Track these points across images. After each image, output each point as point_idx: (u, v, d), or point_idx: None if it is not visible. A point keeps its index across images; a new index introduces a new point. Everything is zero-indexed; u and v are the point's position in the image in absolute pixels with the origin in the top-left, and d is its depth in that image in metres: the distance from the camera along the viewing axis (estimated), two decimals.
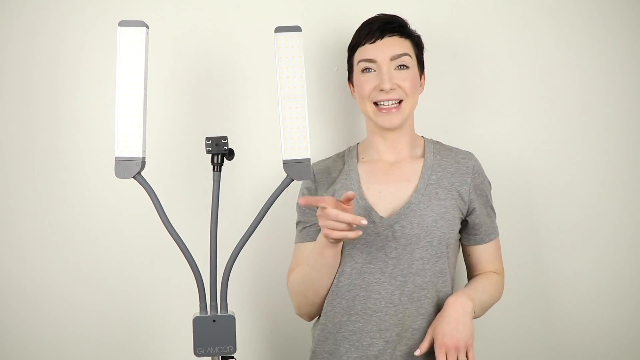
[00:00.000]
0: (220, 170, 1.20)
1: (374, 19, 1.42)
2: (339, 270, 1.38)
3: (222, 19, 1.66)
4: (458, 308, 1.30)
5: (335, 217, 1.18)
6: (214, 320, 1.17)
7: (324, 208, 1.20)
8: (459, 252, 1.48)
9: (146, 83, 1.17)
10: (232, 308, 1.23)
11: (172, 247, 1.24)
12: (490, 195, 1.47)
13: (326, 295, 1.39)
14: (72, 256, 1.65)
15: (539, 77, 1.69)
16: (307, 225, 1.43)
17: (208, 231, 1.19)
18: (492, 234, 1.46)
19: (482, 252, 1.46)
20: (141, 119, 1.16)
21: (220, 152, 1.19)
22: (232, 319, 1.18)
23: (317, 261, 1.33)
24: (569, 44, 1.69)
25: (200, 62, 1.66)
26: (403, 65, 1.39)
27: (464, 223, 1.44)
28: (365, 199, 1.39)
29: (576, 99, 1.69)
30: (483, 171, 1.45)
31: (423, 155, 1.45)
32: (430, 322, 1.35)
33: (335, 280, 1.38)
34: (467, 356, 1.27)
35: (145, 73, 1.17)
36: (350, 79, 1.48)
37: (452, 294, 1.37)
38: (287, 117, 1.18)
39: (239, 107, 1.66)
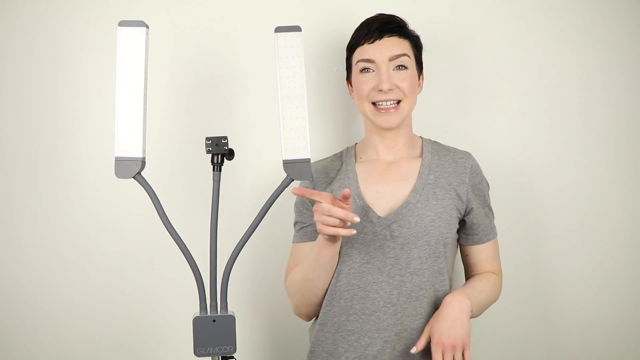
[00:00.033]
0: (220, 170, 1.20)
1: (373, 19, 1.42)
2: (337, 270, 1.38)
3: (222, 19, 1.66)
4: (456, 306, 1.30)
5: (328, 211, 1.18)
6: (214, 320, 1.17)
7: (319, 202, 1.20)
8: (456, 251, 1.48)
9: (146, 83, 1.17)
10: (232, 308, 1.23)
11: (172, 247, 1.24)
12: (488, 195, 1.47)
13: (324, 295, 1.39)
14: (72, 256, 1.65)
15: (539, 77, 1.69)
16: (305, 226, 1.43)
17: (208, 231, 1.18)
18: (490, 234, 1.46)
19: (480, 252, 1.46)
20: (141, 119, 1.16)
21: (220, 152, 1.19)
22: (232, 319, 1.18)
23: (315, 261, 1.33)
24: (569, 44, 1.69)
25: (200, 62, 1.66)
26: (402, 66, 1.39)
27: (462, 223, 1.44)
28: (363, 199, 1.39)
29: (576, 99, 1.69)
30: (481, 171, 1.46)
31: (421, 155, 1.45)
32: None
33: (333, 280, 1.38)
34: (463, 355, 1.27)
35: (145, 73, 1.17)
36: (348, 78, 1.48)
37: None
38: (287, 117, 1.18)
39: (239, 107, 1.66)
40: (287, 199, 1.49)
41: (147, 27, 1.18)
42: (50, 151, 1.64)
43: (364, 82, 1.39)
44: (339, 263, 1.38)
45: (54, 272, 1.64)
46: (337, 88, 1.67)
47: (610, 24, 1.68)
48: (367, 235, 1.37)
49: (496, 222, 1.50)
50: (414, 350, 1.31)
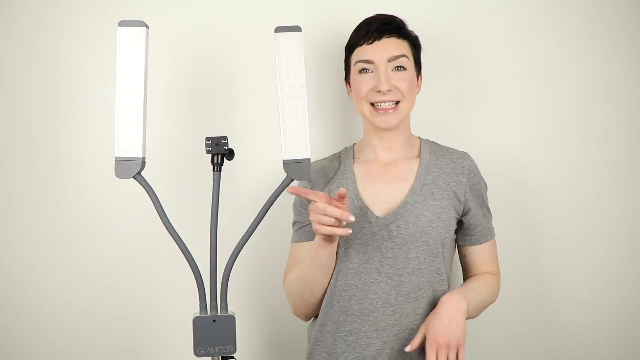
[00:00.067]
0: (220, 170, 1.20)
1: (372, 19, 1.42)
2: (336, 270, 1.38)
3: (222, 19, 1.66)
4: (452, 306, 1.30)
5: (323, 210, 1.18)
6: (214, 320, 1.17)
7: (314, 202, 1.20)
8: (455, 252, 1.48)
9: (146, 83, 1.17)
10: (232, 308, 1.23)
11: (172, 247, 1.24)
12: (486, 196, 1.47)
13: (322, 295, 1.39)
14: (72, 256, 1.65)
15: (539, 78, 1.69)
16: (303, 225, 1.43)
17: (208, 231, 1.19)
18: (487, 234, 1.46)
19: (477, 253, 1.46)
20: (141, 119, 1.16)
21: (220, 152, 1.19)
22: (232, 319, 1.18)
23: (312, 261, 1.33)
24: (569, 44, 1.69)
25: (200, 62, 1.66)
26: (400, 67, 1.39)
27: (460, 223, 1.44)
28: (361, 199, 1.39)
29: (576, 99, 1.69)
30: (479, 171, 1.45)
31: (419, 155, 1.45)
32: None
33: (332, 280, 1.38)
34: (457, 356, 1.27)
35: (145, 73, 1.17)
36: (347, 78, 1.48)
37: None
38: (287, 117, 1.18)
39: (239, 107, 1.67)
40: (287, 199, 1.49)
41: (147, 27, 1.18)
42: (50, 151, 1.64)
43: (363, 83, 1.39)
44: (338, 263, 1.38)
45: (54, 272, 1.64)
46: (337, 88, 1.67)
47: (610, 24, 1.68)
48: (365, 236, 1.37)
49: (496, 222, 1.50)
50: (408, 349, 1.30)
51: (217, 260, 1.19)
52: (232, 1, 1.66)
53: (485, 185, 1.48)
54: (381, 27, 1.39)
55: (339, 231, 1.20)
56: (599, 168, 1.70)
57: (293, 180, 1.19)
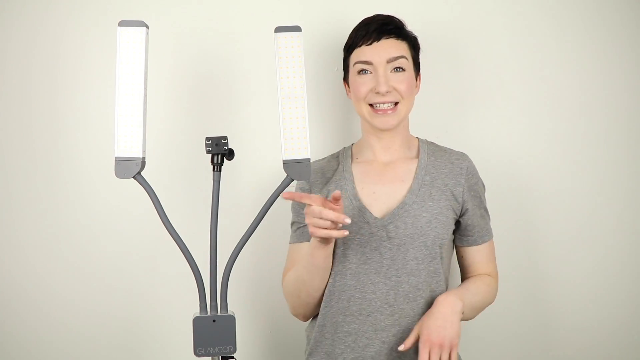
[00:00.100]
0: (220, 170, 1.20)
1: (371, 20, 1.41)
2: (334, 270, 1.38)
3: (222, 19, 1.66)
4: (447, 306, 1.29)
5: (318, 214, 1.18)
6: (214, 320, 1.17)
7: (309, 205, 1.20)
8: (453, 252, 1.48)
9: (146, 83, 1.17)
10: (231, 308, 1.23)
11: (172, 247, 1.24)
12: (484, 197, 1.47)
13: (319, 296, 1.39)
14: (72, 256, 1.65)
15: (539, 78, 1.69)
16: (302, 226, 1.43)
17: (208, 231, 1.19)
18: (485, 235, 1.46)
19: (474, 254, 1.45)
20: (141, 119, 1.16)
21: (220, 152, 1.19)
22: (232, 319, 1.18)
23: (309, 262, 1.33)
24: (569, 44, 1.69)
25: (200, 62, 1.66)
26: (399, 68, 1.39)
27: (457, 224, 1.44)
28: (359, 200, 1.39)
29: (576, 99, 1.69)
30: (477, 172, 1.45)
31: (417, 156, 1.45)
32: None
33: (331, 281, 1.38)
34: (450, 356, 1.26)
35: (145, 73, 1.17)
36: (345, 79, 1.48)
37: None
38: (287, 117, 1.18)
39: (239, 107, 1.66)
40: None
41: (147, 27, 1.18)
42: (50, 151, 1.64)
43: (362, 84, 1.39)
44: (336, 264, 1.38)
45: (54, 272, 1.64)
46: (336, 88, 1.67)
47: (610, 24, 1.68)
48: (363, 236, 1.36)
49: (495, 223, 1.50)
50: (401, 348, 1.30)
51: (217, 260, 1.19)
52: (232, 1, 1.66)
53: (484, 186, 1.48)
54: (380, 28, 1.39)
55: (335, 233, 1.20)
56: (599, 168, 1.70)
57: (293, 180, 1.19)
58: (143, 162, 1.18)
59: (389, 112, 1.38)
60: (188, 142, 1.64)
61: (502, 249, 1.58)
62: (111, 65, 1.24)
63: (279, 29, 1.18)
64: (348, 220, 1.18)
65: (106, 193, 1.64)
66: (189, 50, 1.65)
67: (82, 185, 1.64)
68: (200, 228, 1.42)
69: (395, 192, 1.40)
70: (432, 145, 1.48)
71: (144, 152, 1.18)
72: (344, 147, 1.52)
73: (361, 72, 1.40)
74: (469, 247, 1.45)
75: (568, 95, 1.69)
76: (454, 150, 1.47)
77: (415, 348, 1.31)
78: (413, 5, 1.65)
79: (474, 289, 1.39)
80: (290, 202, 1.47)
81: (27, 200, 1.64)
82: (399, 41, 1.40)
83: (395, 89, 1.37)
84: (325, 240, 1.25)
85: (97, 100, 1.63)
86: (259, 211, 1.19)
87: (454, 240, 1.47)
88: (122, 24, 1.17)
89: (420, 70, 1.47)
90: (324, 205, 1.20)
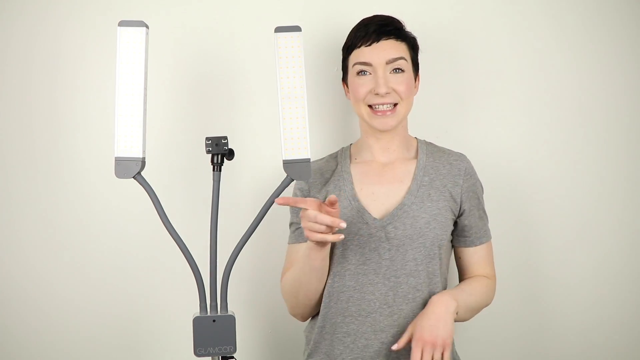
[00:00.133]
0: (220, 170, 1.20)
1: (370, 20, 1.41)
2: (333, 271, 1.38)
3: (222, 19, 1.66)
4: (441, 306, 1.29)
5: (314, 218, 1.18)
6: (214, 320, 1.17)
7: (305, 209, 1.19)
8: (451, 253, 1.48)
9: (146, 83, 1.17)
10: (231, 308, 1.23)
11: (172, 247, 1.24)
12: (483, 198, 1.47)
13: (317, 297, 1.39)
14: (72, 256, 1.65)
15: (539, 78, 1.69)
16: (300, 226, 1.43)
17: (208, 231, 1.19)
18: (483, 237, 1.45)
19: (472, 255, 1.45)
20: (141, 119, 1.16)
21: (220, 152, 1.19)
22: (232, 319, 1.18)
23: (306, 264, 1.33)
24: (569, 44, 1.69)
25: (200, 62, 1.66)
26: (398, 69, 1.38)
27: (455, 225, 1.44)
28: (358, 200, 1.39)
29: (576, 100, 1.69)
30: (475, 173, 1.45)
31: (416, 157, 1.45)
32: None
33: (329, 282, 1.38)
34: (442, 356, 1.26)
35: (145, 73, 1.17)
36: (344, 79, 1.48)
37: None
38: (287, 117, 1.18)
39: (239, 107, 1.67)
40: None
41: (147, 27, 1.18)
42: (50, 151, 1.64)
43: (361, 85, 1.39)
44: (335, 265, 1.38)
45: (54, 272, 1.64)
46: (336, 88, 1.66)
47: (610, 24, 1.68)
48: (362, 237, 1.36)
49: (494, 224, 1.50)
50: (395, 347, 1.30)
51: (217, 260, 1.19)
52: (232, 1, 1.66)
53: (482, 187, 1.48)
54: (379, 28, 1.38)
55: (331, 237, 1.20)
56: (599, 169, 1.70)
57: (293, 180, 1.19)
58: (143, 162, 1.18)
59: (388, 113, 1.38)
60: (188, 142, 1.64)
61: (502, 250, 1.58)
62: (111, 65, 1.24)
63: (279, 29, 1.18)
64: (344, 225, 1.17)
65: (106, 193, 1.64)
66: (189, 50, 1.65)
67: (82, 185, 1.64)
68: (200, 228, 1.42)
69: (394, 192, 1.40)
70: (430, 145, 1.48)
71: (144, 152, 1.18)
72: (342, 147, 1.52)
73: (360, 73, 1.39)
74: (466, 248, 1.45)
75: (568, 96, 1.69)
76: (453, 151, 1.47)
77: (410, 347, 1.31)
78: (413, 5, 1.65)
79: (470, 290, 1.39)
80: None
81: (27, 200, 1.64)
82: (399, 42, 1.39)
83: (394, 90, 1.37)
84: (321, 243, 1.25)
85: (97, 100, 1.63)
86: (258, 211, 1.19)
87: (452, 241, 1.47)
88: (122, 24, 1.17)
89: (420, 71, 1.47)
90: (319, 209, 1.19)
